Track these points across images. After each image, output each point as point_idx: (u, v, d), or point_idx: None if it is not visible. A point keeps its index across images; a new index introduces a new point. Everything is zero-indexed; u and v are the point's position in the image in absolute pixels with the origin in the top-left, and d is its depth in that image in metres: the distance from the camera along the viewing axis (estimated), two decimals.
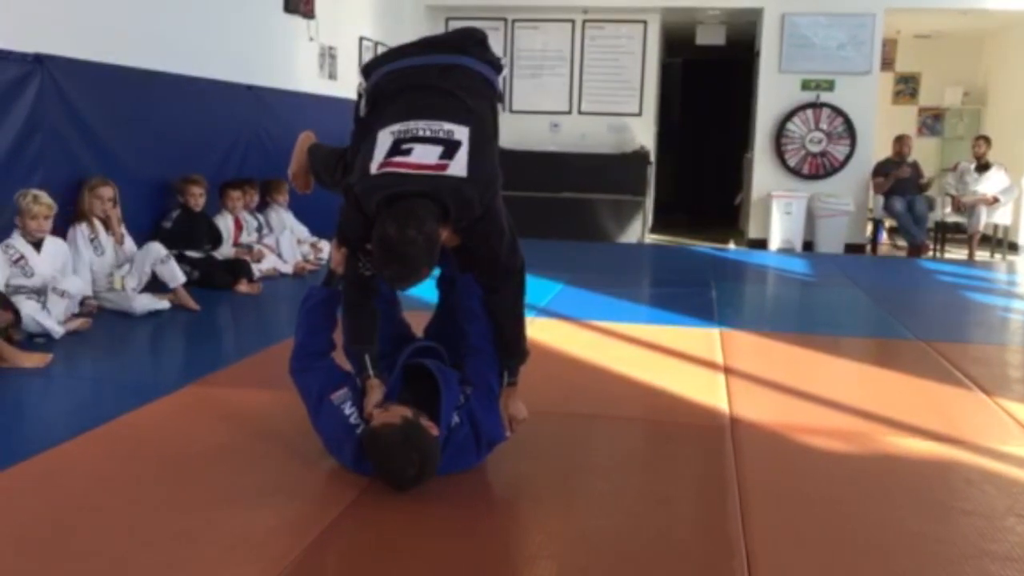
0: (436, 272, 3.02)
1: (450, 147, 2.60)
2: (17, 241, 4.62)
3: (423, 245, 2.48)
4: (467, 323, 2.86)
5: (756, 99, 10.24)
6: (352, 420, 2.76)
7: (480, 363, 2.86)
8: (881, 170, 9.63)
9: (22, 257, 4.59)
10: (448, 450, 2.71)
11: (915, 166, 9.66)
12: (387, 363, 2.89)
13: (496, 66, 2.91)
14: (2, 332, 4.05)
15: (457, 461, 2.76)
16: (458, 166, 2.57)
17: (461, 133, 2.63)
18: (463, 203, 2.57)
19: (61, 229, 4.98)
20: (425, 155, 2.58)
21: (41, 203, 4.64)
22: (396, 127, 2.65)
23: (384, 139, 2.65)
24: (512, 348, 2.88)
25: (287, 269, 6.76)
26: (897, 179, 9.43)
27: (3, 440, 3.08)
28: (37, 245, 4.67)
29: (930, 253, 9.65)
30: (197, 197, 5.96)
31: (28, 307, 4.36)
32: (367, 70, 2.91)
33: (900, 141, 9.70)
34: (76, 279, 4.78)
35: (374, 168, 2.60)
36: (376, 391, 2.77)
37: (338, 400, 2.81)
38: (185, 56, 6.15)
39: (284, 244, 6.95)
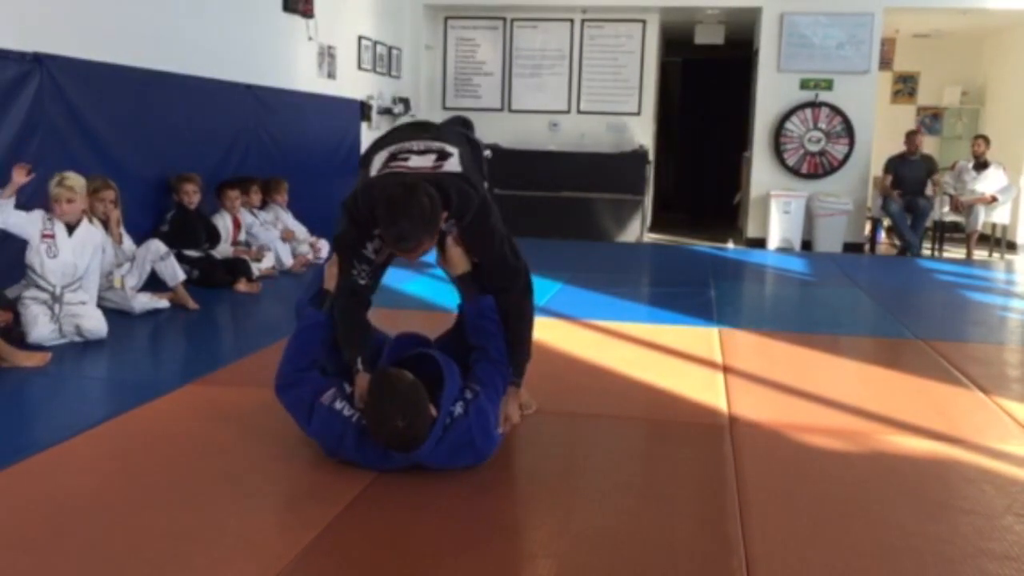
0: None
1: (443, 155, 2.87)
2: (56, 218, 4.55)
3: (427, 206, 2.64)
4: (486, 341, 2.97)
5: (755, 98, 10.25)
6: (346, 412, 2.82)
7: (494, 370, 2.94)
8: (890, 167, 9.60)
9: (52, 235, 4.51)
10: (448, 439, 2.73)
11: (928, 159, 9.63)
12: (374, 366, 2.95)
13: (476, 138, 3.27)
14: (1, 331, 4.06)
15: (458, 453, 2.79)
16: (452, 166, 2.83)
17: (452, 149, 2.91)
18: (461, 192, 2.78)
19: None
20: (421, 161, 2.83)
21: (64, 186, 4.52)
22: (391, 148, 2.90)
23: (380, 157, 2.89)
24: (518, 343, 3.03)
25: (285, 265, 6.84)
26: (899, 178, 9.42)
27: (3, 439, 3.07)
28: (70, 228, 4.59)
29: (928, 253, 9.65)
30: (191, 195, 5.95)
31: (39, 323, 4.34)
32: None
33: (912, 138, 9.66)
34: (100, 318, 4.56)
35: (373, 174, 2.82)
36: (366, 382, 2.81)
37: (327, 400, 2.86)
38: (184, 56, 6.15)
39: (282, 244, 6.95)
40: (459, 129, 3.24)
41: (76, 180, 4.61)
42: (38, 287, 4.47)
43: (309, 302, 3.06)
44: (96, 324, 4.50)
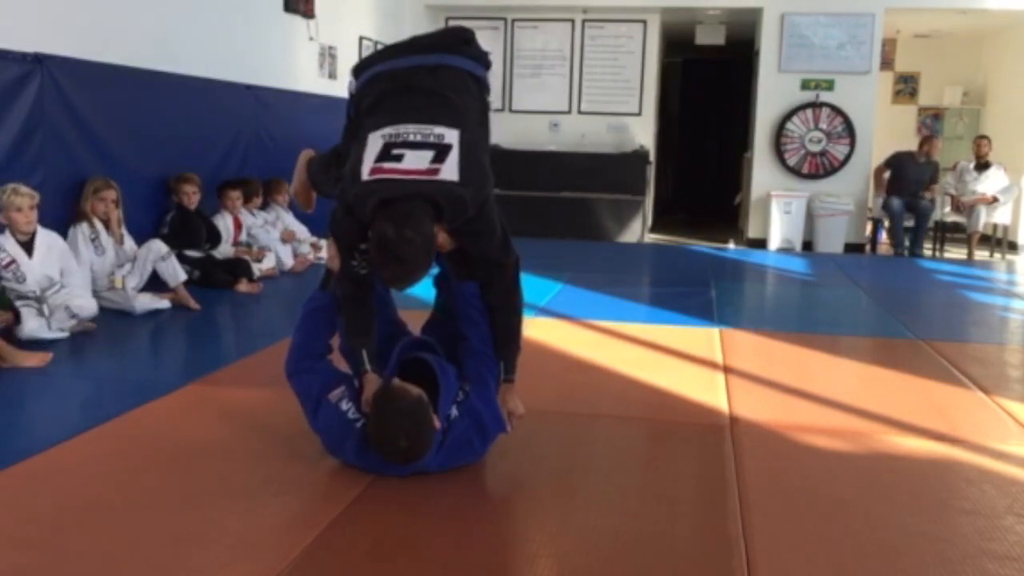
0: (433, 271, 3.07)
1: (441, 151, 2.63)
2: (7, 242, 4.48)
3: (420, 246, 2.53)
4: (468, 329, 2.93)
5: (756, 99, 10.24)
6: (351, 415, 2.80)
7: (479, 363, 2.91)
8: (892, 161, 9.59)
9: (12, 261, 4.47)
10: (447, 443, 2.74)
11: (934, 164, 9.63)
12: (382, 361, 2.91)
13: (484, 62, 2.94)
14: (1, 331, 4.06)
15: (457, 455, 2.79)
16: (449, 170, 2.61)
17: (451, 136, 2.65)
18: (456, 203, 2.61)
19: (61, 229, 4.98)
20: (416, 161, 2.62)
21: (21, 194, 4.48)
22: (387, 130, 2.68)
23: (374, 142, 2.67)
24: (508, 339, 2.96)
25: (286, 266, 6.83)
26: (900, 179, 9.42)
27: (3, 440, 3.08)
28: (28, 246, 4.55)
29: (929, 253, 9.65)
30: (191, 195, 5.95)
31: (27, 318, 4.33)
32: (357, 70, 2.94)
33: (928, 142, 9.64)
34: (88, 297, 4.63)
35: (365, 173, 2.63)
36: (373, 385, 2.79)
37: (335, 398, 2.85)
38: (185, 56, 6.15)
39: (281, 245, 6.95)
40: (462, 72, 2.84)
41: (28, 188, 4.56)
42: (22, 297, 4.44)
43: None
44: (87, 302, 4.59)
